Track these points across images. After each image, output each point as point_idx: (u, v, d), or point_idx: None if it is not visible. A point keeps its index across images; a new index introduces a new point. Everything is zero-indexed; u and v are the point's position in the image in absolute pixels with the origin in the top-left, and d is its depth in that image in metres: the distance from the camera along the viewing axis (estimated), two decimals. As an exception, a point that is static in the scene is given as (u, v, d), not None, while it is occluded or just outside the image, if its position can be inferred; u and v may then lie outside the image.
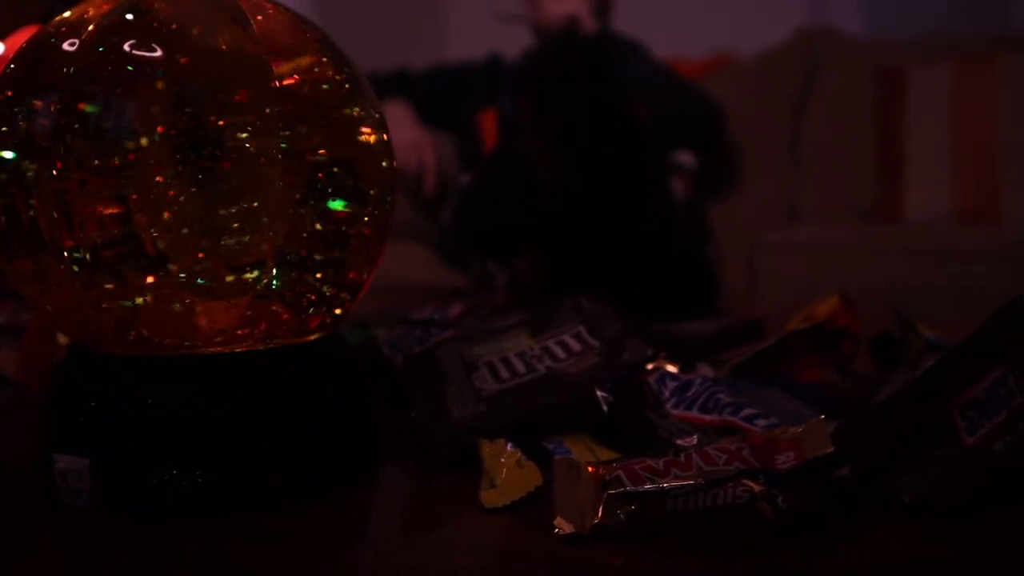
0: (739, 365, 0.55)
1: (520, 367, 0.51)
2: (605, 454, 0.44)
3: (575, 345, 0.52)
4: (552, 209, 0.77)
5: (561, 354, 0.52)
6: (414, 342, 0.59)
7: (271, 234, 0.41)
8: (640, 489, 0.36)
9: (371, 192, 0.44)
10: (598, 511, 0.36)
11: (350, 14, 2.38)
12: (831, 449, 0.36)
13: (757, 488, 0.35)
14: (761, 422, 0.42)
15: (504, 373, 0.50)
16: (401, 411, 0.50)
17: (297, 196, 0.41)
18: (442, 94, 1.76)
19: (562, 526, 0.36)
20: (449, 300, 0.77)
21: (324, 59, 0.43)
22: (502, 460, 0.42)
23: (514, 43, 1.81)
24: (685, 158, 1.46)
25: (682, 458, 0.37)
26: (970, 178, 1.47)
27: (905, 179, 1.54)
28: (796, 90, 1.84)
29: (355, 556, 0.35)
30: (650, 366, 0.52)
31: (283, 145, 0.40)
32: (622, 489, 0.36)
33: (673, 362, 0.55)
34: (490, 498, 0.40)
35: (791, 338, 0.54)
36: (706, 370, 0.56)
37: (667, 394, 0.46)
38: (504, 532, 0.38)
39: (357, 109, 0.44)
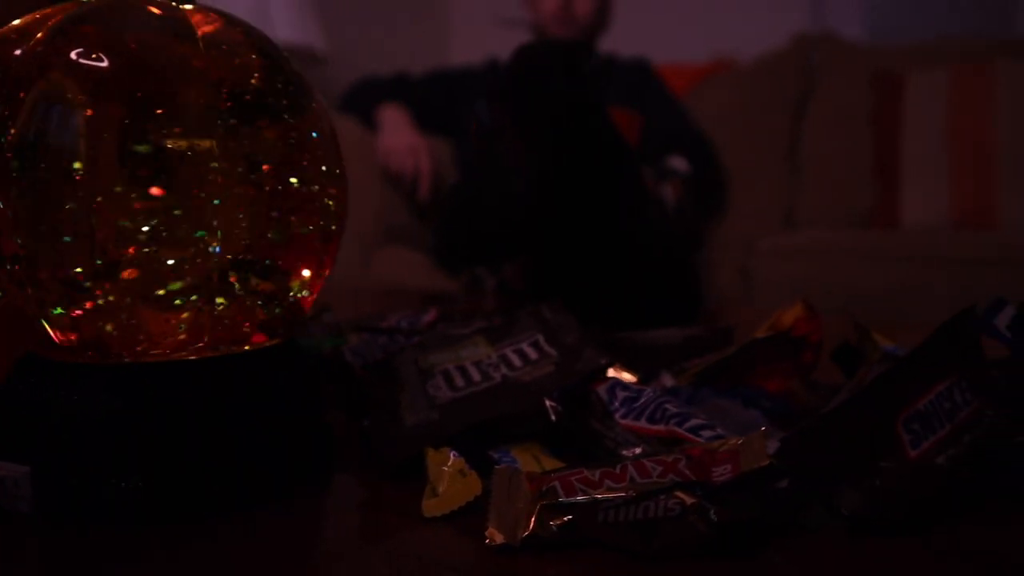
0: (700, 374, 0.55)
1: (476, 375, 0.51)
2: (552, 464, 0.43)
3: (532, 353, 0.52)
4: (529, 216, 0.77)
5: (518, 362, 0.52)
6: (377, 349, 0.59)
7: (216, 243, 0.41)
8: (572, 500, 0.36)
9: (318, 200, 0.44)
10: (530, 522, 0.36)
11: (352, 20, 2.39)
12: (767, 462, 0.36)
13: (689, 501, 0.35)
14: (706, 433, 0.42)
15: (459, 381, 0.50)
16: (359, 419, 0.50)
17: (242, 206, 0.41)
18: (440, 99, 1.77)
19: (493, 536, 0.36)
20: (424, 306, 0.77)
21: (271, 70, 0.43)
22: (445, 469, 0.42)
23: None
24: (678, 163, 1.45)
25: (617, 470, 0.37)
26: (967, 183, 1.46)
27: (902, 184, 1.53)
28: (794, 95, 1.83)
29: (278, 567, 0.35)
30: (611, 373, 0.52)
31: (229, 156, 0.40)
32: (555, 500, 0.36)
33: (631, 371, 0.54)
34: (430, 507, 0.40)
35: (752, 347, 0.54)
36: (667, 379, 0.56)
37: (617, 404, 0.45)
38: (438, 542, 0.38)
39: (304, 120, 0.44)
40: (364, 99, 1.74)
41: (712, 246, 1.71)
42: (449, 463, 0.42)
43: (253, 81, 0.42)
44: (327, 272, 0.47)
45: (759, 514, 0.36)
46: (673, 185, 1.32)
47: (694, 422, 0.42)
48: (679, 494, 0.35)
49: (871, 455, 0.38)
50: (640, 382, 0.54)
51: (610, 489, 0.36)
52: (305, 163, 0.43)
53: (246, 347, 0.44)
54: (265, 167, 0.42)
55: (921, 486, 0.38)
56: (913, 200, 1.51)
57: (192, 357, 0.41)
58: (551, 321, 0.55)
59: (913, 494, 0.38)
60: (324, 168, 0.44)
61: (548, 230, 0.78)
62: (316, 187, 0.44)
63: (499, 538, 0.36)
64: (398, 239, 1.69)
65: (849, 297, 1.29)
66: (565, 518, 0.36)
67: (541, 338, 0.53)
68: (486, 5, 2.45)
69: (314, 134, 0.45)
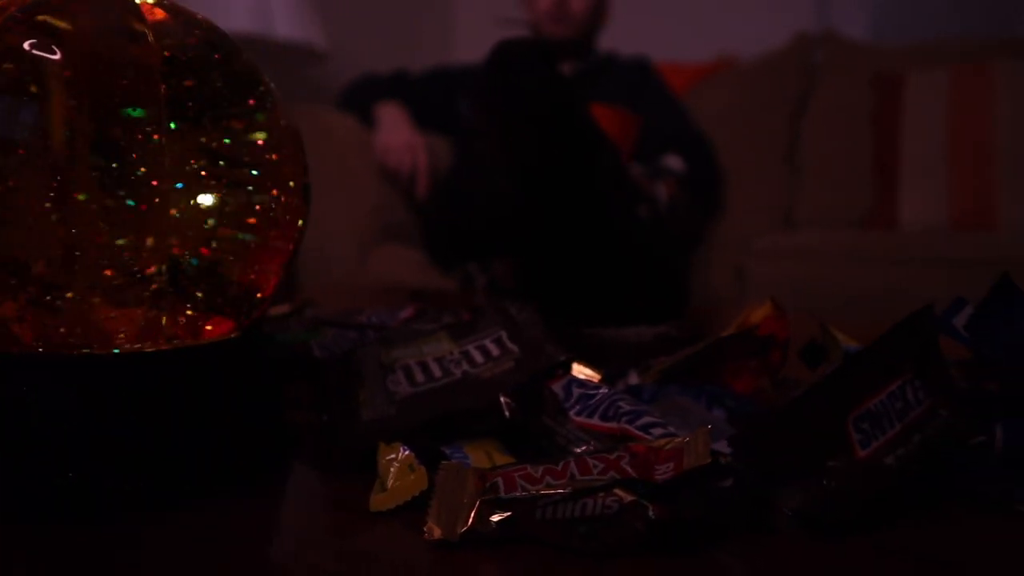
0: (665, 372, 0.54)
1: (436, 371, 0.51)
2: (504, 461, 0.43)
3: (494, 350, 0.52)
4: (511, 213, 0.77)
5: (479, 359, 0.51)
6: (346, 344, 0.59)
7: (169, 237, 0.41)
8: (512, 496, 0.36)
9: (273, 196, 0.44)
10: (470, 517, 0.36)
11: (356, 17, 2.39)
12: (709, 460, 0.36)
13: (627, 499, 0.34)
14: (657, 431, 0.41)
15: (419, 377, 0.50)
16: (320, 413, 0.50)
17: (196, 200, 0.41)
18: (438, 96, 1.76)
19: (432, 530, 0.36)
20: (403, 302, 0.77)
21: (224, 63, 0.43)
22: (394, 464, 0.42)
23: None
24: (673, 162, 1.44)
25: (559, 466, 0.37)
26: (967, 184, 1.44)
27: (901, 185, 1.51)
28: (794, 95, 1.82)
29: (213, 561, 0.35)
30: (574, 370, 0.52)
31: (178, 151, 0.40)
32: (494, 496, 0.36)
33: (594, 368, 0.54)
34: (377, 502, 0.40)
35: (717, 345, 0.53)
36: (634, 377, 0.56)
37: (572, 401, 0.45)
38: (380, 536, 0.37)
39: (259, 115, 0.44)
40: (363, 96, 1.74)
41: (712, 245, 1.70)
42: (399, 458, 0.42)
43: (205, 76, 0.42)
44: (280, 271, 0.47)
45: (700, 513, 0.36)
46: (667, 184, 1.31)
47: (646, 420, 0.42)
48: (618, 492, 0.35)
49: (820, 454, 0.38)
50: (604, 379, 0.54)
51: (549, 486, 0.36)
52: (255, 161, 0.43)
53: (200, 341, 0.44)
54: (214, 163, 0.42)
55: (869, 486, 0.38)
56: (912, 200, 1.49)
57: (145, 350, 0.42)
58: (516, 318, 0.55)
59: (861, 494, 0.37)
60: (278, 166, 0.44)
61: (531, 227, 0.78)
62: (274, 184, 0.44)
63: (437, 532, 0.36)
64: (396, 236, 1.69)
65: (846, 298, 1.28)
66: (504, 514, 0.36)
67: (504, 335, 0.53)
68: (491, 3, 2.45)
69: (260, 132, 0.44)
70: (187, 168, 0.41)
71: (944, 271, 1.25)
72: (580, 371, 0.54)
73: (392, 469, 0.42)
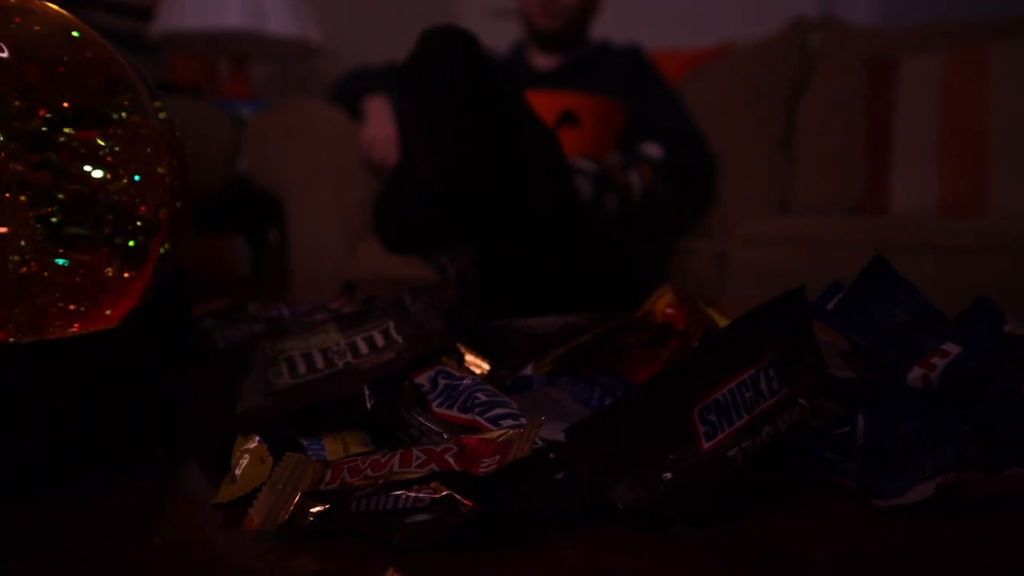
0: (557, 361, 0.53)
1: (320, 362, 0.50)
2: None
3: (380, 341, 0.51)
4: (440, 202, 0.76)
5: (364, 350, 0.51)
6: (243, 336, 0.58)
7: (27, 228, 0.41)
8: (329, 488, 0.35)
9: (136, 195, 0.44)
10: (290, 509, 0.35)
11: (354, 10, 2.40)
12: (528, 453, 0.35)
13: (441, 493, 0.34)
14: (508, 423, 0.40)
15: (302, 368, 0.50)
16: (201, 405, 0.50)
17: (31, 201, 0.41)
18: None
19: (251, 521, 0.35)
20: (339, 294, 0.77)
21: (86, 63, 0.43)
22: (246, 456, 0.41)
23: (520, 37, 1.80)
24: (651, 149, 1.42)
25: (384, 458, 0.36)
26: (958, 169, 1.40)
27: (892, 171, 1.47)
28: (790, 81, 1.78)
29: (40, 554, 0.35)
30: (470, 363, 0.51)
31: (20, 148, 0.40)
32: (315, 488, 0.36)
33: (486, 359, 0.53)
34: (223, 492, 0.40)
35: (606, 333, 0.52)
36: (529, 368, 0.55)
37: (436, 392, 0.44)
38: (210, 527, 0.37)
39: (120, 113, 0.44)
40: (352, 89, 1.74)
41: (704, 233, 1.67)
42: (252, 450, 0.42)
43: (73, 75, 0.42)
44: (147, 272, 0.46)
45: (521, 507, 0.35)
46: (642, 171, 1.29)
47: (498, 411, 0.41)
48: (434, 485, 0.34)
49: (662, 447, 0.37)
50: (492, 371, 0.53)
51: (367, 478, 0.35)
52: (124, 159, 0.42)
53: (72, 331, 0.44)
54: (81, 155, 0.41)
55: (707, 480, 0.36)
56: (903, 186, 1.45)
57: (9, 340, 0.42)
58: (410, 308, 0.54)
59: (698, 488, 0.36)
60: (145, 166, 0.44)
61: (461, 216, 0.77)
62: (136, 184, 0.43)
63: (255, 523, 0.35)
64: (384, 229, 1.70)
65: (822, 286, 1.25)
66: (323, 507, 0.35)
67: (392, 325, 0.52)
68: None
69: (116, 132, 0.44)
70: (43, 159, 0.40)
71: (930, 256, 1.21)
72: (472, 362, 0.54)
73: (243, 460, 0.41)
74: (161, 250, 0.47)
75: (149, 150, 0.45)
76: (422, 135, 0.71)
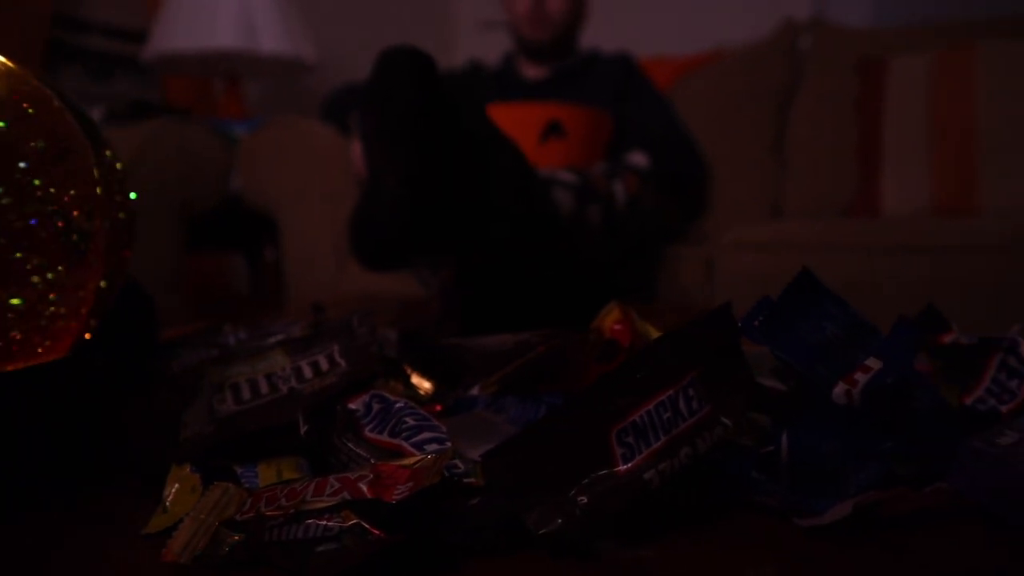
0: (502, 381, 0.53)
1: (264, 388, 0.50)
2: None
3: (324, 365, 0.51)
4: (401, 216, 0.76)
5: (308, 374, 0.51)
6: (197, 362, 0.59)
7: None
8: (244, 518, 0.35)
9: (74, 222, 0.44)
10: (205, 539, 0.35)
11: (349, 28, 2.42)
12: (437, 480, 0.35)
13: (349, 521, 0.34)
14: (433, 447, 0.40)
15: (246, 394, 0.50)
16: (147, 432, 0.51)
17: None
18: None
19: (167, 553, 0.36)
20: (307, 315, 0.77)
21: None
22: (176, 485, 0.42)
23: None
24: (637, 159, 1.42)
25: (300, 487, 0.36)
26: (949, 169, 1.38)
27: (883, 172, 1.46)
28: (781, 84, 1.77)
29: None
30: (416, 384, 0.52)
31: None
32: (231, 518, 0.36)
33: (432, 380, 0.54)
34: (153, 523, 0.40)
35: (550, 352, 0.52)
36: (475, 388, 0.55)
37: (370, 417, 0.45)
38: (132, 559, 0.37)
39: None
40: (342, 105, 1.76)
41: (701, 238, 1.66)
42: (183, 479, 0.42)
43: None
44: (83, 309, 0.47)
45: (435, 534, 0.35)
46: (627, 181, 1.29)
47: (424, 435, 0.41)
48: (345, 514, 0.34)
49: (578, 471, 0.37)
50: (438, 392, 0.54)
51: (281, 507, 0.35)
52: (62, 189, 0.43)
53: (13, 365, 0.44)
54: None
55: (622, 503, 0.36)
56: (893, 187, 1.44)
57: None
58: (356, 332, 0.54)
59: (613, 512, 0.36)
60: (87, 193, 0.44)
61: (429, 228, 0.77)
62: (75, 211, 0.44)
63: (171, 555, 0.35)
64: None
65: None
66: (238, 536, 0.35)
67: (337, 350, 0.52)
68: (492, 9, 2.44)
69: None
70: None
71: (920, 258, 1.20)
72: (418, 383, 0.54)
73: (173, 490, 0.42)
74: (101, 284, 0.48)
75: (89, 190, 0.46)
76: (382, 149, 0.71)
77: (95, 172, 0.47)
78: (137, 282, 0.68)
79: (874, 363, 0.38)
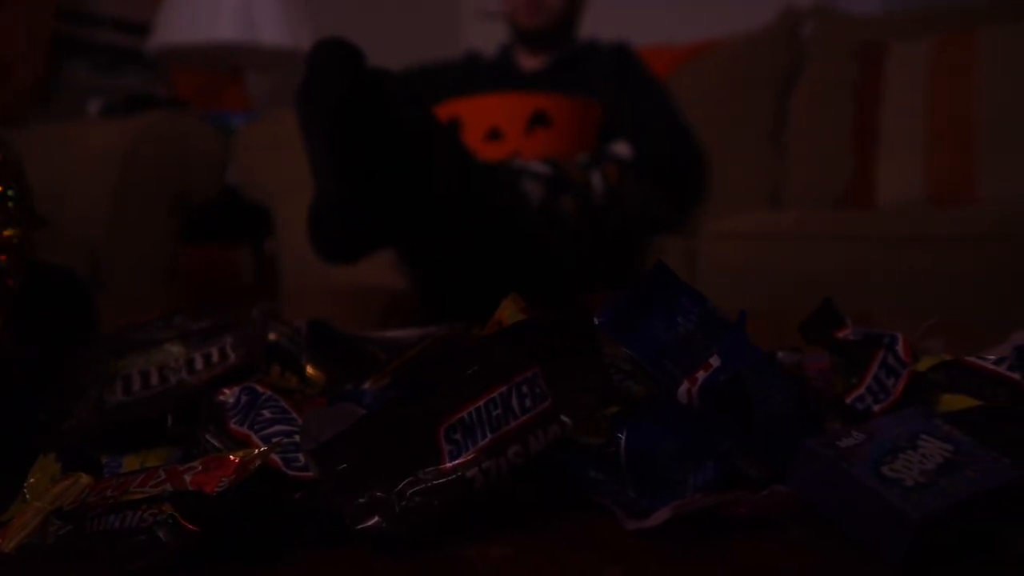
0: (395, 373, 0.53)
1: (155, 379, 0.51)
2: (157, 470, 0.43)
3: (216, 356, 0.52)
4: (348, 209, 0.77)
5: (200, 366, 0.52)
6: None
7: None
8: (70, 508, 0.36)
9: None
10: (32, 528, 0.36)
11: (352, 21, 2.43)
12: (251, 472, 0.35)
13: (164, 512, 0.34)
14: (283, 440, 0.41)
15: (136, 386, 0.51)
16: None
17: None
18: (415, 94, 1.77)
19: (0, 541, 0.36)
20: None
21: None
22: (39, 474, 0.43)
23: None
24: (620, 148, 1.40)
25: (129, 478, 0.37)
26: (945, 156, 1.34)
27: (879, 160, 1.42)
28: (781, 71, 1.73)
29: None
30: (310, 374, 0.52)
31: None
32: (58, 506, 0.36)
33: (325, 372, 0.54)
34: (10, 511, 0.41)
35: (435, 344, 0.52)
36: (368, 381, 0.55)
37: (237, 408, 0.45)
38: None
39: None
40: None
41: (697, 227, 1.64)
42: (47, 468, 0.43)
43: None
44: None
45: (249, 527, 0.35)
46: (607, 171, 1.27)
47: (276, 428, 0.41)
48: (165, 506, 0.35)
49: (404, 468, 0.36)
50: (330, 384, 0.54)
51: (104, 497, 0.36)
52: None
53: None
54: None
55: (443, 501, 0.36)
56: (889, 175, 1.40)
57: None
58: (255, 323, 0.55)
59: (435, 510, 0.36)
60: None
61: (372, 219, 0.78)
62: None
63: (1, 542, 0.36)
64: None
65: (796, 280, 1.21)
66: (64, 527, 0.36)
67: (229, 342, 0.53)
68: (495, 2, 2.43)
69: None
70: None
71: (911, 248, 1.17)
72: (312, 375, 0.54)
73: (32, 479, 0.42)
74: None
75: None
76: (317, 143, 0.71)
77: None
78: (73, 272, 0.70)
79: (715, 360, 0.37)
